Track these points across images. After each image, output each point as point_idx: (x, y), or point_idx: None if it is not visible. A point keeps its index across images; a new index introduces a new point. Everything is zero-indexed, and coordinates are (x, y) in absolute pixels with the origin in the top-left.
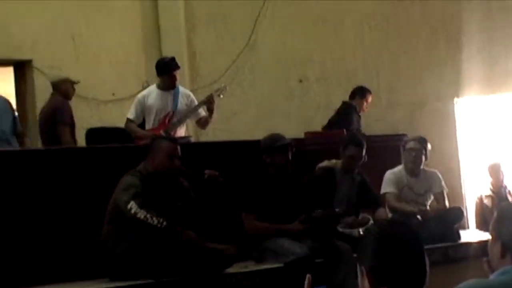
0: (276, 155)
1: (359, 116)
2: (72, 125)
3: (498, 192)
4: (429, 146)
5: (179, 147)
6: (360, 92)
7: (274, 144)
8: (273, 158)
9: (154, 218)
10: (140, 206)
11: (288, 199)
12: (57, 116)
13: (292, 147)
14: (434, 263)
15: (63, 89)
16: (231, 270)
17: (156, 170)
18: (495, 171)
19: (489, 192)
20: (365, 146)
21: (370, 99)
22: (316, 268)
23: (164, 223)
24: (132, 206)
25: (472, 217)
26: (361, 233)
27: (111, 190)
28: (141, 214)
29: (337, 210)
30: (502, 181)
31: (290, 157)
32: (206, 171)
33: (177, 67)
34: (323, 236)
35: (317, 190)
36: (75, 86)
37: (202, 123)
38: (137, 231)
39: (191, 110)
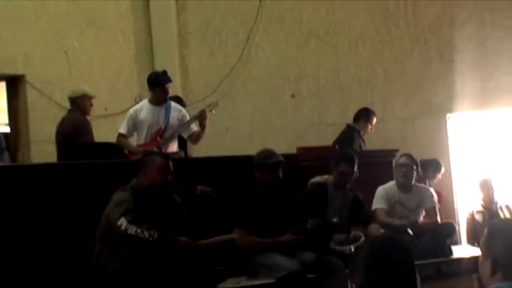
0: (266, 172)
1: (363, 140)
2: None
3: (489, 208)
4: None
5: (171, 163)
6: (365, 115)
7: (264, 161)
8: (262, 174)
9: (145, 232)
10: (131, 222)
11: (279, 213)
12: (79, 134)
13: (283, 164)
14: (426, 278)
15: (82, 105)
16: (223, 285)
17: (149, 185)
18: (486, 187)
19: (480, 208)
20: (356, 162)
21: (374, 121)
22: (308, 284)
23: (156, 235)
24: (122, 222)
25: (464, 232)
26: (353, 250)
27: (103, 206)
28: (132, 230)
29: (334, 220)
30: (493, 197)
31: (280, 175)
32: (199, 187)
33: (169, 80)
34: (318, 246)
35: (309, 205)
36: (93, 101)
37: (194, 138)
38: (128, 247)
39: (183, 125)
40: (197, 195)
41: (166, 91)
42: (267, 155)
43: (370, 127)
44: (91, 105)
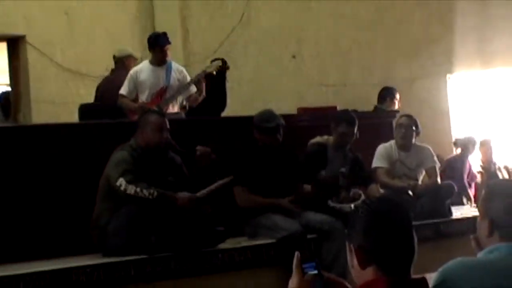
0: (265, 135)
1: None
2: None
3: (487, 168)
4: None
5: (167, 120)
6: (389, 94)
7: (264, 124)
8: (262, 136)
9: (145, 191)
10: (130, 181)
11: (279, 173)
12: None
13: (283, 127)
14: (425, 239)
15: (127, 65)
16: (223, 245)
17: (146, 144)
18: (485, 148)
19: (479, 169)
20: (357, 123)
21: (398, 96)
22: (308, 244)
23: (155, 193)
24: (122, 182)
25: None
26: (352, 208)
27: (104, 167)
28: (131, 189)
29: (342, 170)
30: (492, 157)
31: (280, 138)
32: (198, 148)
33: (167, 42)
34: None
35: (309, 165)
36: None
37: (192, 100)
38: (128, 206)
39: (183, 87)
40: (197, 156)
41: (164, 53)
42: (266, 117)
43: (397, 103)
44: (134, 63)
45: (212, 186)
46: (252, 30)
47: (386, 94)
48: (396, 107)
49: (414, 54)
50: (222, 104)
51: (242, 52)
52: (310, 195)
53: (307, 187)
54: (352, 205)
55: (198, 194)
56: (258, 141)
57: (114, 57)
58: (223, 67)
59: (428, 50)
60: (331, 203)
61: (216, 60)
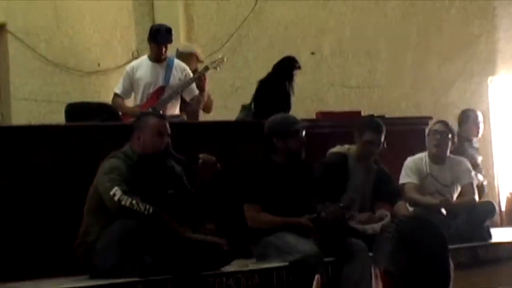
0: (291, 140)
1: (472, 145)
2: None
3: None
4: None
5: (167, 124)
6: (469, 116)
7: (289, 128)
8: (287, 142)
9: (140, 205)
10: (125, 192)
11: (295, 189)
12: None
13: (305, 130)
14: (461, 265)
15: (187, 63)
16: (229, 268)
17: (143, 151)
18: None
19: None
20: (384, 131)
21: (478, 119)
22: (326, 268)
23: (151, 209)
24: (116, 192)
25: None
26: (376, 230)
27: (93, 175)
28: (126, 201)
29: (341, 205)
30: None
31: (305, 140)
32: (201, 156)
33: (166, 40)
34: (332, 239)
35: (327, 179)
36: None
37: (195, 102)
38: (121, 221)
39: (182, 86)
40: (199, 165)
41: (160, 51)
42: (290, 120)
43: (476, 129)
44: (196, 67)
45: (210, 239)
46: (266, 22)
47: (464, 117)
48: (478, 131)
49: (451, 54)
50: (285, 106)
51: (253, 46)
52: (311, 229)
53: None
54: (377, 226)
55: (192, 235)
56: (274, 151)
57: (176, 51)
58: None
59: (467, 50)
60: (353, 224)
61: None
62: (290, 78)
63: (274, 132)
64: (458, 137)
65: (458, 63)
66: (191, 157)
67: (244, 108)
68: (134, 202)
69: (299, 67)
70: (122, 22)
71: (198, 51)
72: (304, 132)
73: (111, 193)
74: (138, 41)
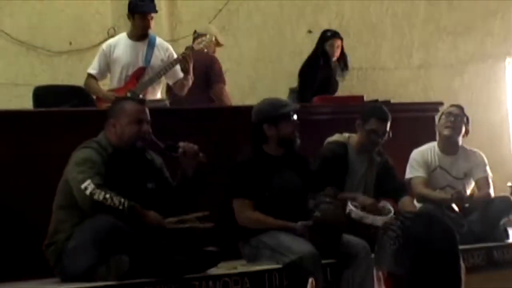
0: (284, 124)
1: None
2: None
3: None
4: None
5: (147, 110)
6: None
7: (280, 111)
8: (280, 128)
9: (115, 199)
10: (98, 185)
11: (291, 183)
12: (210, 75)
13: (298, 114)
14: (475, 267)
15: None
16: (216, 271)
17: (119, 141)
18: None
19: None
20: (390, 119)
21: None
22: (324, 271)
23: (126, 203)
24: (88, 185)
25: None
26: (377, 224)
27: (63, 167)
28: (99, 195)
29: (327, 200)
30: None
31: (298, 125)
32: (181, 144)
33: (152, 9)
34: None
35: (325, 172)
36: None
37: (178, 87)
38: (95, 217)
39: (165, 68)
40: (179, 155)
41: (146, 23)
42: (280, 103)
43: None
44: (214, 50)
45: (186, 223)
46: None
47: None
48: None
49: (464, 32)
50: (331, 89)
51: (244, 24)
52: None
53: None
54: (379, 222)
55: (167, 222)
56: (265, 140)
57: (194, 32)
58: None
59: (482, 27)
60: (352, 211)
61: (201, 37)
62: (324, 53)
63: (263, 119)
64: None
65: (472, 43)
66: (172, 147)
67: (292, 92)
68: (108, 196)
69: (331, 36)
70: None
71: (216, 31)
72: (296, 116)
73: (83, 186)
74: (115, 17)
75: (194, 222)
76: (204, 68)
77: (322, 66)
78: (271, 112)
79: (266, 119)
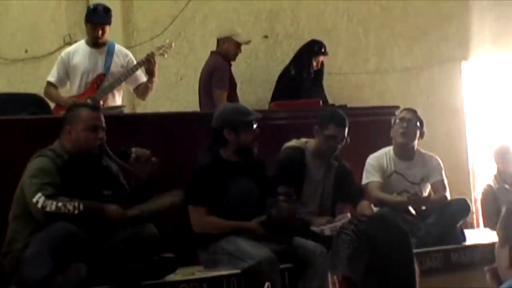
0: (243, 132)
1: None
2: (233, 89)
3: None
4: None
5: (102, 116)
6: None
7: (242, 119)
8: (239, 136)
9: (68, 205)
10: (49, 196)
11: (246, 189)
12: (214, 80)
13: (258, 123)
14: (432, 270)
15: (224, 48)
16: (173, 277)
17: (75, 148)
18: (502, 156)
19: (492, 183)
20: (347, 125)
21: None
22: (282, 275)
23: (81, 205)
24: (39, 199)
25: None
26: (334, 232)
27: (19, 176)
28: (51, 206)
29: (281, 198)
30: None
31: (258, 133)
32: (133, 150)
33: (103, 21)
34: (285, 240)
35: (282, 177)
36: (242, 47)
37: (141, 90)
38: (51, 226)
39: (127, 73)
40: (132, 160)
41: (97, 33)
42: (242, 111)
43: None
44: (237, 50)
45: (151, 207)
46: (213, 3)
47: None
48: None
49: (419, 37)
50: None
51: (200, 30)
52: (262, 236)
53: (260, 220)
54: (338, 225)
55: (129, 212)
56: (229, 145)
57: (217, 38)
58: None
59: (437, 32)
60: (312, 228)
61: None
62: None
63: (225, 124)
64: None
65: (427, 47)
66: (124, 153)
67: None
68: (60, 205)
69: (322, 53)
70: (51, 3)
71: (235, 31)
72: (256, 125)
73: (34, 200)
74: (70, 24)
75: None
76: (210, 72)
77: (303, 79)
78: (233, 118)
79: (227, 125)
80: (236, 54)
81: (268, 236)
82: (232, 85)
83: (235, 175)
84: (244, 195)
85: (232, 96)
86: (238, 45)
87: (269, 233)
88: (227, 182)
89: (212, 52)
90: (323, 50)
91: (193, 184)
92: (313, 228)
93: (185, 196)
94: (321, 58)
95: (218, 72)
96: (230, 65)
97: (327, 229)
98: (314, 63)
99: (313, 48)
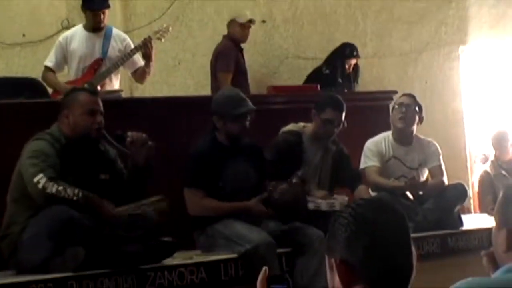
0: (230, 123)
1: None
2: (241, 73)
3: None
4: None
5: (100, 100)
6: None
7: (231, 111)
8: (225, 125)
9: (69, 190)
10: (50, 178)
11: (243, 172)
12: (218, 63)
13: (252, 112)
14: (429, 255)
15: (231, 32)
16: (171, 261)
17: (72, 132)
18: (500, 142)
19: (489, 169)
20: (345, 109)
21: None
22: (279, 260)
23: (80, 194)
24: (40, 179)
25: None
26: (334, 206)
27: (16, 159)
28: (52, 188)
29: (294, 181)
30: (510, 154)
31: (247, 125)
32: (129, 134)
33: (102, 5)
34: (286, 219)
35: (279, 161)
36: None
37: (139, 75)
38: (49, 209)
39: (124, 57)
40: (127, 144)
41: (97, 18)
42: (235, 101)
43: None
44: (244, 32)
45: (137, 209)
46: None
47: None
48: None
49: (417, 21)
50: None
51: (198, 14)
52: (263, 214)
53: (260, 198)
54: (334, 202)
55: (117, 211)
56: (218, 131)
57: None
58: None
59: (435, 16)
60: (309, 206)
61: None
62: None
63: (214, 111)
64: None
65: (425, 31)
66: (120, 136)
67: None
68: (61, 188)
69: (355, 56)
70: None
71: (240, 14)
72: (249, 115)
73: (35, 180)
74: (69, 8)
75: (149, 207)
76: (216, 55)
77: (337, 82)
78: (222, 108)
79: (216, 112)
80: (243, 36)
81: (268, 214)
82: (239, 69)
83: (229, 159)
84: (240, 179)
85: (239, 80)
86: (242, 27)
87: (270, 210)
88: (222, 165)
89: (223, 36)
90: (355, 53)
91: (189, 167)
92: (310, 201)
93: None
94: (353, 61)
95: (222, 55)
96: (240, 49)
97: (323, 204)
98: (347, 66)
99: (345, 51)
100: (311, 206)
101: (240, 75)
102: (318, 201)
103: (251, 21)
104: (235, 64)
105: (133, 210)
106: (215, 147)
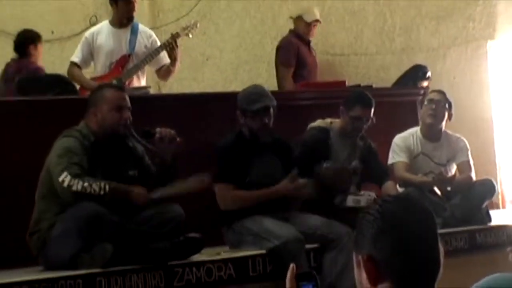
0: (249, 119)
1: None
2: (304, 67)
3: None
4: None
5: (127, 97)
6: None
7: (247, 107)
8: (246, 120)
9: (94, 185)
10: (75, 176)
11: (270, 168)
12: (279, 57)
13: (274, 108)
14: (457, 251)
15: (296, 27)
16: (199, 257)
17: (101, 129)
18: None
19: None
20: (373, 105)
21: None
22: (307, 255)
23: (107, 186)
24: (65, 178)
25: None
26: (361, 203)
27: (45, 156)
28: (77, 186)
29: (353, 165)
30: None
31: (268, 122)
32: (157, 130)
33: None
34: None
35: (306, 157)
36: (314, 24)
37: (163, 73)
38: (78, 206)
39: (151, 54)
40: (156, 140)
41: (130, 8)
42: (252, 97)
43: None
44: (309, 30)
45: (173, 190)
46: None
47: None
48: None
49: (445, 16)
50: None
51: (225, 11)
52: (306, 195)
53: (303, 181)
54: (360, 199)
55: (153, 194)
56: (242, 127)
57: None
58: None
59: (463, 11)
60: (336, 202)
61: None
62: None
63: (238, 107)
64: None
65: (453, 27)
66: (148, 132)
67: None
68: (86, 185)
69: (423, 78)
70: None
71: (306, 10)
72: (268, 111)
73: (60, 179)
74: (96, 5)
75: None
76: (278, 49)
77: None
78: (242, 104)
79: (238, 107)
80: (307, 33)
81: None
82: (301, 63)
83: (255, 154)
84: (267, 174)
85: (302, 74)
86: (307, 24)
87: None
88: (247, 160)
89: (289, 30)
90: (427, 76)
91: (217, 162)
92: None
93: (212, 179)
94: (425, 83)
95: (283, 49)
96: (306, 44)
97: (350, 200)
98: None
99: (418, 74)
100: (349, 200)
101: (302, 68)
102: (346, 197)
103: (317, 21)
104: (297, 58)
105: (167, 191)
106: (239, 142)
